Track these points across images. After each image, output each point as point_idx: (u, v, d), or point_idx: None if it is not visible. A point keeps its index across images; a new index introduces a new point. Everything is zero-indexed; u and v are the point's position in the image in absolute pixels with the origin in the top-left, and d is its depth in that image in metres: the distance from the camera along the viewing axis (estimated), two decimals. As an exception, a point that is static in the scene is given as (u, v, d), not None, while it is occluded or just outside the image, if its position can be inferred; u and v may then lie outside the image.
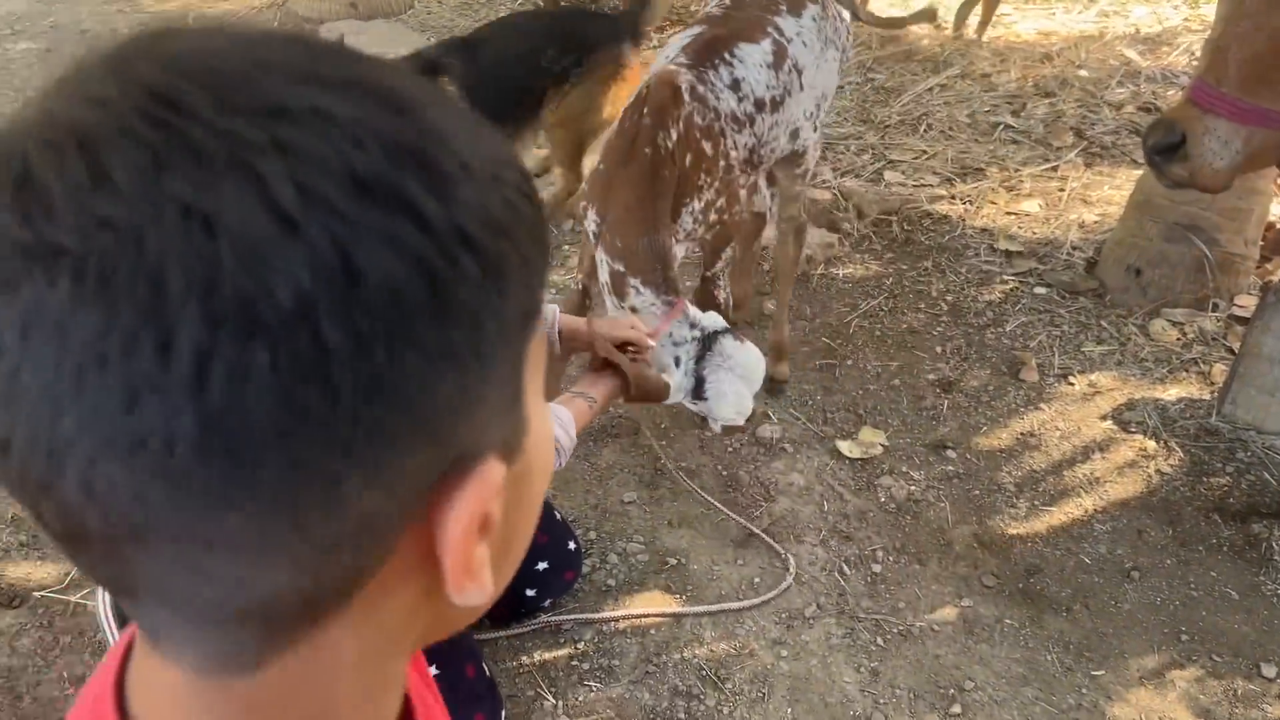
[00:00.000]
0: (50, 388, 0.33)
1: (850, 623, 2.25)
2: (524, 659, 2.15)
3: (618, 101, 3.39)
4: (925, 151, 4.19)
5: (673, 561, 2.38)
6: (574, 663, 2.14)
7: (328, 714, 0.46)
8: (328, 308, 0.34)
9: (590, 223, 2.32)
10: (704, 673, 2.13)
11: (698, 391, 2.06)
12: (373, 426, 0.36)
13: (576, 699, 2.07)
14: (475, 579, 0.42)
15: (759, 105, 2.41)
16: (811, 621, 2.25)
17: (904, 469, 2.67)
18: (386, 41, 5.22)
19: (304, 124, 0.35)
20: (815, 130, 2.67)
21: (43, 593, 2.28)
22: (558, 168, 3.71)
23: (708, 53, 2.40)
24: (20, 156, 0.35)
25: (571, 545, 2.20)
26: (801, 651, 2.18)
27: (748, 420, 2.13)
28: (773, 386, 2.88)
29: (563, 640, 2.19)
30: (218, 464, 0.34)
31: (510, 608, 2.17)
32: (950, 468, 2.68)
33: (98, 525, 0.35)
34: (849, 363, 3.06)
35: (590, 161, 3.23)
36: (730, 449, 2.71)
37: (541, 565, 2.14)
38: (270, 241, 0.33)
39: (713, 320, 2.13)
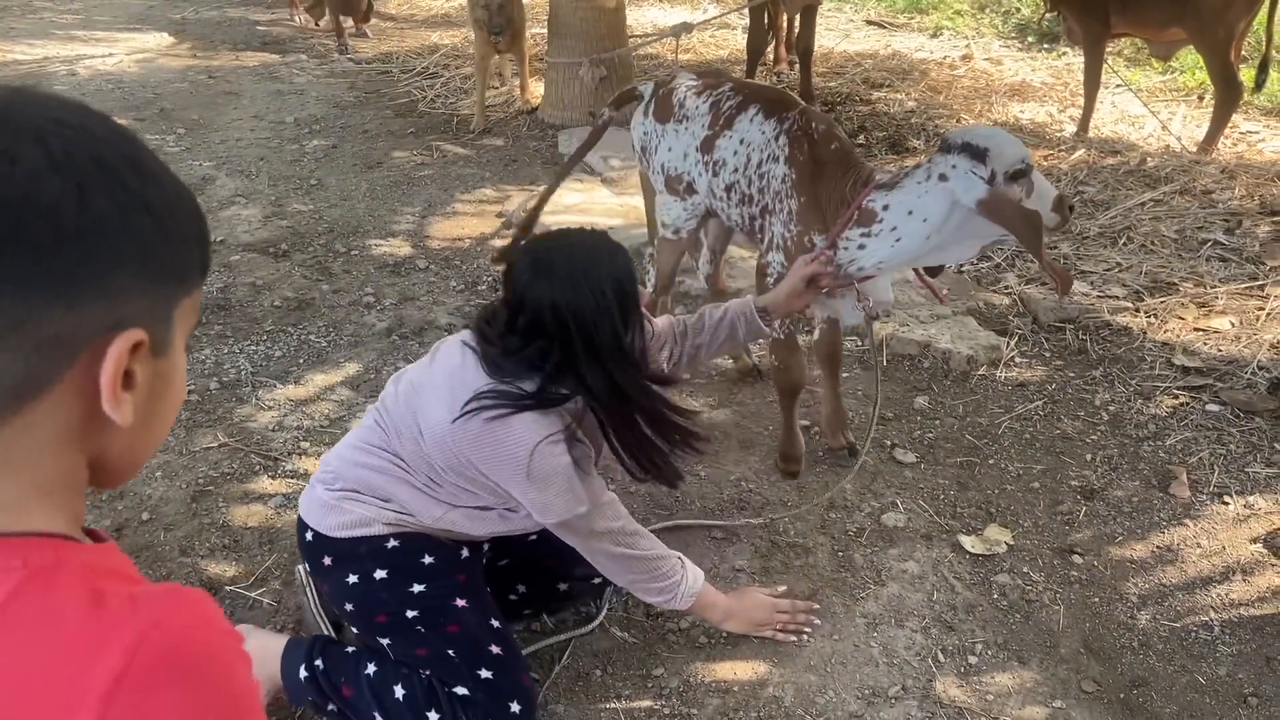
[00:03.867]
0: None
1: (933, 708, 2.27)
2: (611, 704, 2.31)
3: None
4: (1119, 264, 4.12)
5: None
6: (657, 704, 2.29)
7: (28, 486, 0.72)
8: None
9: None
10: (777, 733, 2.22)
11: (974, 151, 2.29)
12: (75, 271, 0.68)
13: (652, 739, 2.22)
14: (119, 406, 0.71)
15: None
16: (893, 701, 2.29)
17: (1024, 569, 2.66)
18: (606, 145, 5.70)
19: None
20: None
21: (232, 587, 2.69)
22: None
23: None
24: None
25: None
26: (877, 728, 2.23)
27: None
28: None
29: (650, 685, 2.34)
30: None
31: (545, 591, 2.44)
32: (1074, 573, 2.64)
33: None
34: (990, 462, 3.07)
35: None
36: (850, 531, 2.80)
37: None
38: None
39: None
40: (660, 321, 2.42)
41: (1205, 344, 3.56)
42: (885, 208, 2.44)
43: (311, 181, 5.59)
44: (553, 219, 4.76)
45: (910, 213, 2.40)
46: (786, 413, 3.00)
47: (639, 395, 1.99)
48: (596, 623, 2.47)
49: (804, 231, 2.67)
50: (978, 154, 2.27)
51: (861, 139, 6.00)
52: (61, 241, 0.67)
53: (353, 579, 2.11)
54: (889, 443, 3.17)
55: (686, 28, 5.69)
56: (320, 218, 5.10)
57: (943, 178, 2.33)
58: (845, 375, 3.56)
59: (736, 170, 2.85)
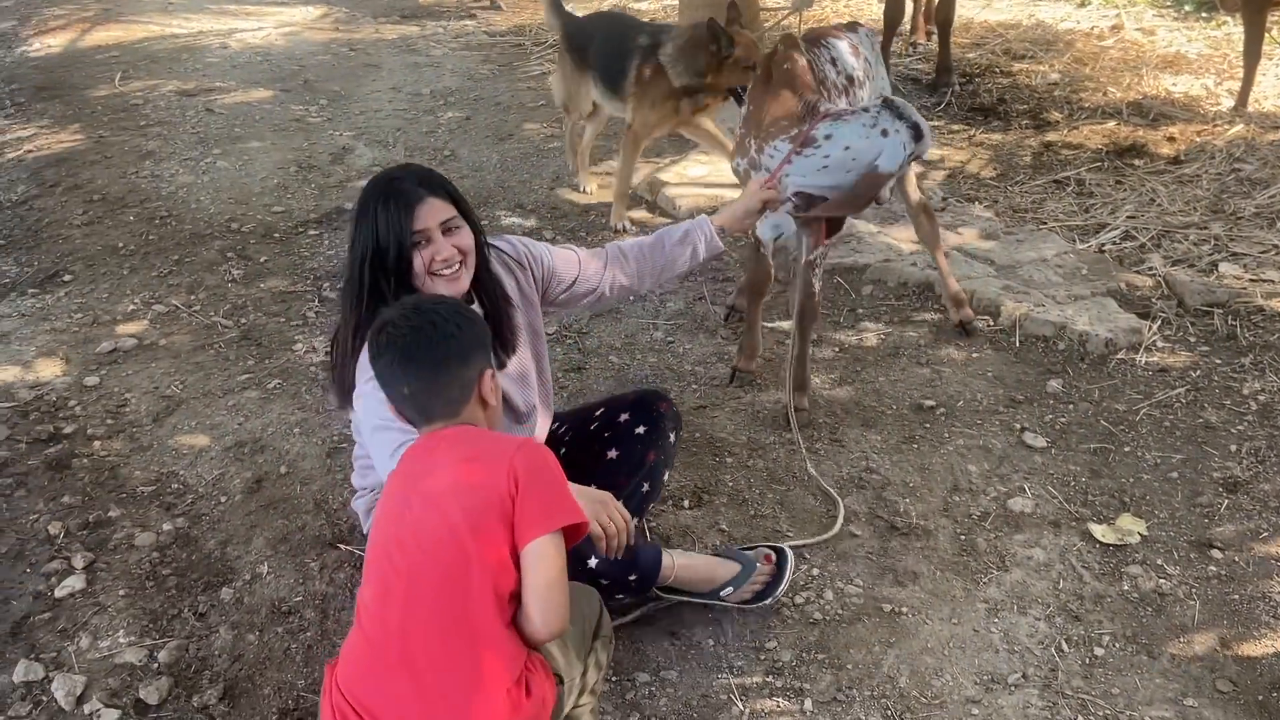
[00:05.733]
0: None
1: (1054, 698, 2.21)
2: (723, 676, 2.31)
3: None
4: (1276, 246, 3.89)
5: (886, 608, 2.46)
6: (769, 678, 2.29)
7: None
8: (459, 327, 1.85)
9: (745, 160, 2.97)
10: (890, 713, 2.19)
11: (917, 133, 2.55)
12: (469, 354, 1.83)
13: (763, 711, 2.21)
14: (496, 394, 1.87)
15: (850, 80, 3.09)
16: (1013, 689, 2.24)
17: (1159, 562, 2.55)
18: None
19: None
20: None
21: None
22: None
23: (810, 39, 3.13)
24: None
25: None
26: (994, 715, 2.18)
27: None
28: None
29: (762, 658, 2.34)
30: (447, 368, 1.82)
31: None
32: (1213, 568, 2.52)
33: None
34: (1126, 450, 2.95)
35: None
36: (974, 515, 2.73)
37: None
38: None
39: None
40: (574, 256, 2.83)
41: (1371, 333, 3.33)
42: (827, 137, 2.63)
43: (445, 153, 5.71)
44: (677, 191, 4.76)
45: (846, 148, 2.60)
46: (751, 309, 3.35)
47: None
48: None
49: (745, 134, 2.98)
50: (917, 134, 2.54)
51: (1000, 111, 5.79)
52: (461, 345, 1.80)
53: None
54: (1018, 426, 3.08)
55: (807, 3, 5.56)
56: (452, 188, 5.20)
57: (884, 134, 2.55)
58: (976, 355, 3.46)
59: None
